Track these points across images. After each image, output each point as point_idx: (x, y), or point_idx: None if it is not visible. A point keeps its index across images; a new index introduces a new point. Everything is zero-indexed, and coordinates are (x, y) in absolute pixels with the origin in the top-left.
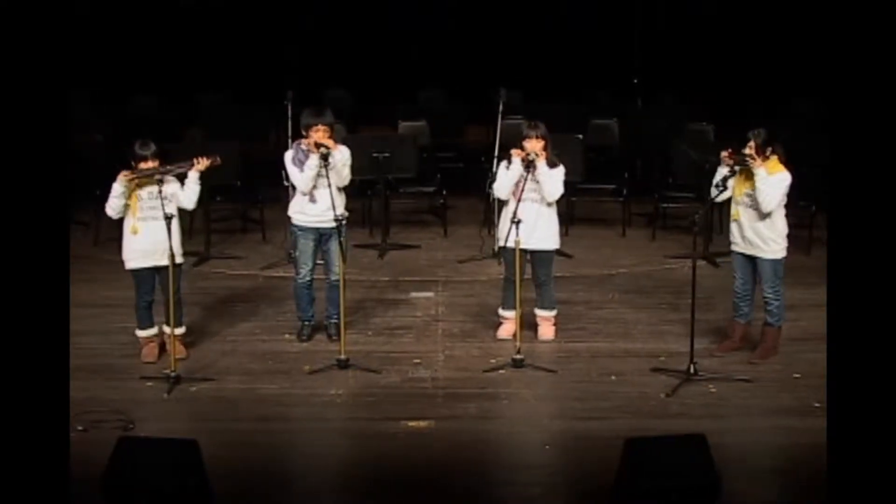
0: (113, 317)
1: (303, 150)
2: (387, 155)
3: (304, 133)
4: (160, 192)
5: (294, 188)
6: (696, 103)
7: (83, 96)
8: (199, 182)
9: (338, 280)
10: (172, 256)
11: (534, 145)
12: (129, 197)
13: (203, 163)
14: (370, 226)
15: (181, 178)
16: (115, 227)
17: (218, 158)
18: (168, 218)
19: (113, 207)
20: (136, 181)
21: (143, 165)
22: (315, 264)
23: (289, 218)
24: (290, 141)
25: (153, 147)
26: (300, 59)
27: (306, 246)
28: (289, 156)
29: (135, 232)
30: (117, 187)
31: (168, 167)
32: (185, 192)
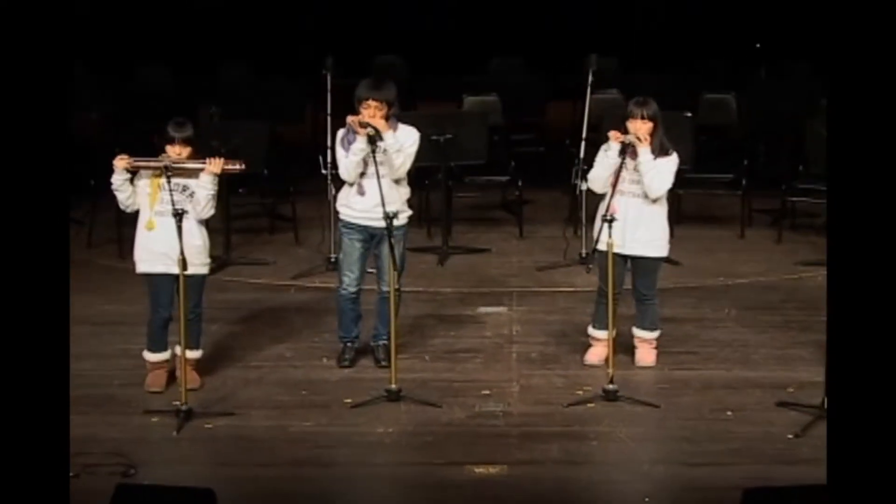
0: (112, 336)
1: (353, 130)
2: (449, 137)
3: (356, 108)
4: (168, 184)
5: (334, 178)
6: None
7: (76, 65)
8: (214, 188)
9: (389, 292)
10: (184, 262)
11: (638, 127)
12: (150, 183)
13: (217, 164)
14: (428, 225)
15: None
16: (114, 226)
17: (242, 164)
18: (178, 214)
19: (118, 198)
20: (142, 169)
21: (168, 149)
22: (363, 272)
23: (336, 212)
24: (329, 119)
25: (189, 130)
26: (341, 17)
27: (352, 248)
28: (339, 136)
29: (150, 228)
30: (115, 178)
31: (175, 162)
32: (195, 200)
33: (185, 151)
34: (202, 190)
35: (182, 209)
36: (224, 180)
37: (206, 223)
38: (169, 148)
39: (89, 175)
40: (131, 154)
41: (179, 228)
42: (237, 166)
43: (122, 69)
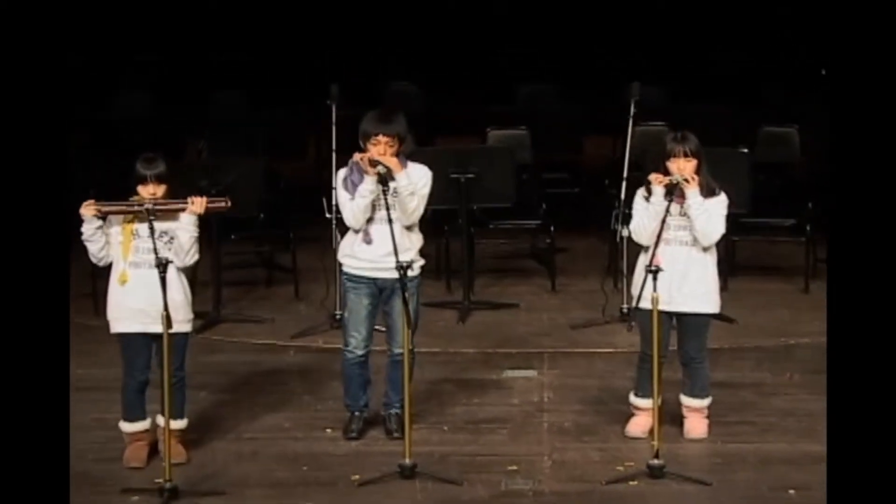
0: (85, 404)
1: (359, 169)
2: (471, 176)
3: (362, 145)
4: (151, 230)
5: (338, 223)
6: None
7: None
8: (195, 231)
9: (402, 354)
10: (168, 320)
11: (682, 166)
12: (123, 230)
13: (200, 203)
14: (447, 276)
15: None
16: (89, 278)
17: (227, 201)
18: (162, 265)
19: (89, 250)
20: (121, 214)
21: (141, 190)
22: (371, 331)
23: (338, 264)
24: (334, 156)
25: (161, 166)
26: (346, 39)
27: (358, 304)
28: (340, 176)
29: (123, 281)
30: (85, 228)
31: (154, 203)
32: (176, 244)
33: (160, 191)
34: (185, 233)
35: (166, 258)
36: (214, 225)
37: (191, 274)
38: (141, 189)
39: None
40: (106, 196)
41: (163, 280)
42: (221, 204)
43: (96, 96)
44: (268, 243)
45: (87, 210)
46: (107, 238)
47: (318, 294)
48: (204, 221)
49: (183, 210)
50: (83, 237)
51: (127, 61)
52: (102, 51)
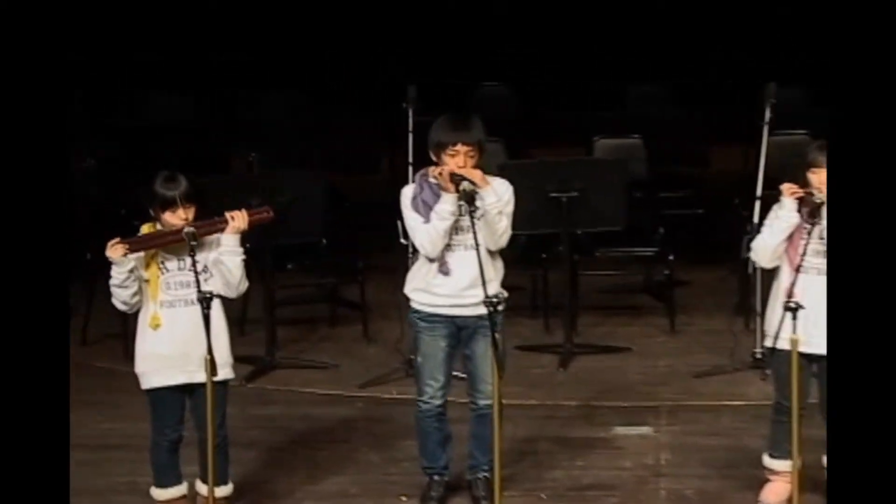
0: (114, 464)
1: (431, 186)
2: (575, 194)
3: (433, 157)
4: (193, 259)
5: (416, 249)
6: None
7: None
8: (240, 252)
9: (489, 406)
10: (212, 366)
11: (824, 178)
12: (145, 266)
13: (241, 219)
14: (545, 314)
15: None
16: (117, 317)
17: (269, 211)
18: (206, 299)
19: (118, 297)
20: (157, 248)
21: (169, 217)
22: (450, 378)
23: (406, 299)
24: (410, 170)
25: (184, 184)
26: (427, 34)
27: (434, 348)
28: (407, 195)
29: (156, 325)
30: (116, 273)
31: (190, 226)
32: (219, 271)
33: (191, 213)
34: (233, 256)
35: (211, 291)
36: (267, 252)
37: (240, 310)
38: (169, 216)
39: (83, 246)
40: (140, 220)
41: (207, 318)
42: (264, 214)
43: (128, 98)
44: (331, 274)
45: (115, 251)
46: (141, 282)
47: (390, 335)
48: (255, 248)
49: (222, 230)
50: (112, 283)
51: (160, 58)
52: (131, 47)
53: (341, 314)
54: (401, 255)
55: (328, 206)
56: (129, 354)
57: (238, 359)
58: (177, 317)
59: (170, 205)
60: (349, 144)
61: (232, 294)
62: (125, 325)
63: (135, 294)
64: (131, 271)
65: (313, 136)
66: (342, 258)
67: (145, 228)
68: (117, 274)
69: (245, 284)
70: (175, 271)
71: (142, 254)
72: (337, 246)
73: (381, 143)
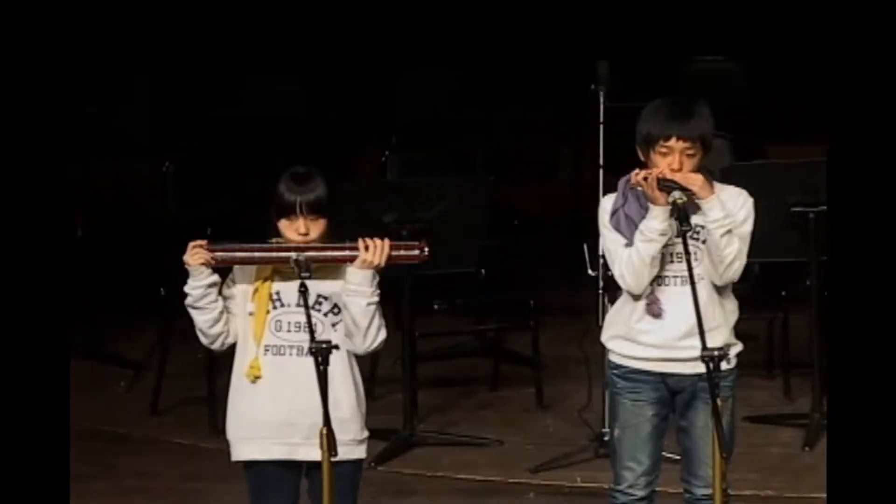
0: None
1: (638, 197)
2: (825, 209)
3: (641, 157)
4: (303, 296)
5: (609, 284)
6: None
7: (138, 78)
8: (368, 295)
9: (709, 497)
10: (331, 440)
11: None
12: (255, 293)
13: (379, 252)
14: (785, 374)
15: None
16: (199, 373)
17: (424, 247)
18: (321, 351)
19: (197, 324)
20: (253, 265)
21: (285, 228)
22: (658, 460)
23: (603, 350)
24: (601, 175)
25: (320, 189)
26: None
27: (638, 417)
28: (606, 209)
29: (255, 377)
30: (192, 285)
31: (306, 249)
32: (345, 318)
33: (316, 229)
34: (358, 299)
35: (328, 342)
36: (406, 288)
37: (369, 367)
38: (285, 226)
39: (156, 277)
40: (233, 235)
41: (324, 376)
42: (414, 253)
43: (219, 77)
44: (493, 317)
45: (195, 257)
46: (227, 304)
47: (574, 399)
48: (387, 281)
49: (351, 260)
50: (188, 301)
51: (267, 34)
52: (230, 21)
53: (506, 372)
54: (588, 292)
55: (490, 224)
56: (218, 424)
57: (375, 433)
58: (285, 368)
59: (287, 211)
60: (517, 141)
61: (358, 348)
62: (210, 383)
63: (217, 321)
64: (212, 287)
65: (467, 129)
66: (507, 295)
67: (278, 240)
68: (193, 287)
69: (379, 338)
70: (293, 307)
71: (248, 272)
72: (501, 279)
73: (560, 139)
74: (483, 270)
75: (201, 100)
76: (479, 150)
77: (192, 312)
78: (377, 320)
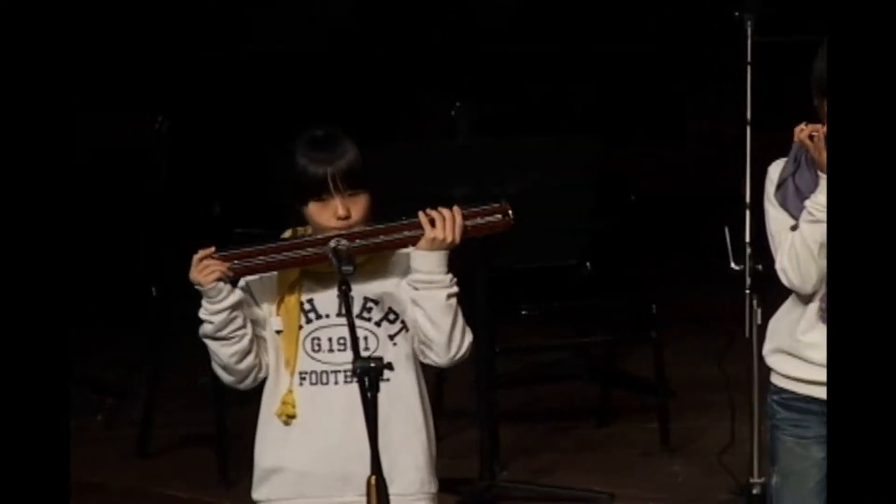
0: None
1: (809, 161)
2: None
3: (817, 104)
4: (345, 298)
5: (771, 279)
6: None
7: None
8: (446, 284)
9: None
10: (381, 491)
11: None
12: (282, 306)
13: (449, 224)
14: None
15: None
16: (201, 399)
17: (506, 213)
18: (370, 371)
19: (215, 358)
20: (262, 272)
21: (316, 212)
22: None
23: (770, 373)
24: (748, 132)
25: (351, 152)
26: None
27: (802, 460)
28: (772, 178)
29: (288, 416)
30: (207, 309)
31: (349, 235)
32: (418, 313)
33: (359, 207)
34: (434, 291)
35: (379, 359)
36: (482, 284)
37: (435, 392)
38: (316, 211)
39: (144, 272)
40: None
41: (372, 405)
42: (496, 217)
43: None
44: (602, 327)
45: (206, 272)
46: (254, 328)
47: (710, 439)
48: (458, 277)
49: (412, 243)
50: (207, 332)
51: None
52: None
53: (620, 400)
54: (731, 293)
55: (595, 203)
56: (226, 475)
57: (449, 483)
58: (329, 402)
59: (317, 189)
60: (631, 87)
61: (441, 359)
62: (221, 417)
63: (246, 355)
64: (236, 309)
65: (563, 70)
66: (621, 297)
67: (286, 236)
68: (211, 314)
69: (466, 341)
70: (333, 317)
71: (268, 287)
72: (612, 275)
73: (691, 85)
74: (588, 264)
75: (203, 29)
76: (580, 100)
77: (214, 346)
78: (461, 318)
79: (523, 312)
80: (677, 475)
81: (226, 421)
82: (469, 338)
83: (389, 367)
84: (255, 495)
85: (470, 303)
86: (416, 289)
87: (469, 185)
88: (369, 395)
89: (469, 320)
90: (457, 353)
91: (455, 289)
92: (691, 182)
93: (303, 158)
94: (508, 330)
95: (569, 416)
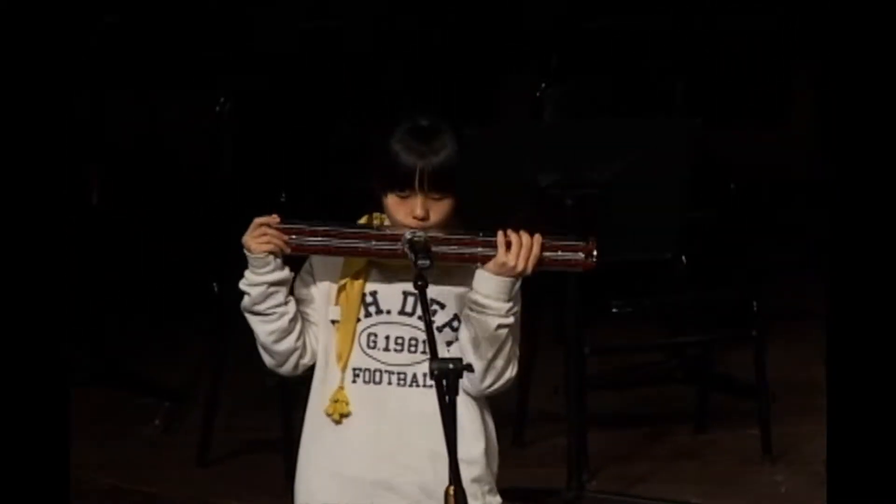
0: None
1: None
2: None
3: None
4: (422, 297)
5: None
6: None
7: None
8: (504, 312)
9: None
10: (458, 499)
11: None
12: (341, 294)
13: (525, 251)
14: None
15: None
16: (267, 402)
17: (592, 253)
18: (449, 374)
19: (266, 344)
20: (323, 254)
21: (394, 206)
22: None
23: None
24: None
25: (450, 145)
26: None
27: None
28: None
29: (339, 415)
30: (248, 278)
31: (428, 236)
32: (467, 330)
33: (440, 212)
34: (487, 317)
35: (459, 360)
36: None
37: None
38: (395, 203)
39: (205, 266)
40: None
41: (449, 410)
42: (579, 255)
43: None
44: (699, 326)
45: (260, 240)
46: (301, 310)
47: (816, 446)
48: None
49: (483, 261)
50: (246, 304)
51: None
52: None
53: (718, 404)
54: None
55: (693, 190)
56: (294, 483)
57: (506, 493)
58: (382, 403)
59: (401, 182)
60: (732, 64)
61: (472, 387)
62: (289, 422)
63: (286, 335)
64: (278, 285)
65: (658, 47)
66: (721, 294)
67: (362, 222)
68: (251, 285)
69: (505, 376)
70: (395, 315)
71: (330, 267)
72: (711, 270)
73: (799, 59)
74: (684, 258)
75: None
76: (676, 78)
77: (252, 320)
78: (507, 351)
79: (614, 310)
80: (780, 485)
81: (293, 425)
82: (512, 373)
83: (469, 368)
84: (298, 498)
85: (559, 299)
86: (471, 309)
87: (557, 170)
88: (446, 396)
89: (558, 320)
90: (491, 385)
91: (510, 320)
92: (797, 168)
93: (397, 145)
94: (598, 329)
95: (663, 422)
